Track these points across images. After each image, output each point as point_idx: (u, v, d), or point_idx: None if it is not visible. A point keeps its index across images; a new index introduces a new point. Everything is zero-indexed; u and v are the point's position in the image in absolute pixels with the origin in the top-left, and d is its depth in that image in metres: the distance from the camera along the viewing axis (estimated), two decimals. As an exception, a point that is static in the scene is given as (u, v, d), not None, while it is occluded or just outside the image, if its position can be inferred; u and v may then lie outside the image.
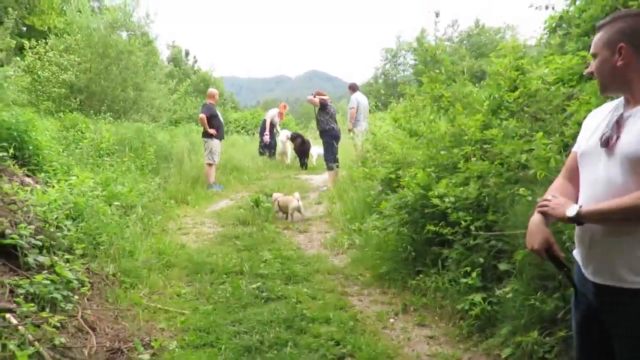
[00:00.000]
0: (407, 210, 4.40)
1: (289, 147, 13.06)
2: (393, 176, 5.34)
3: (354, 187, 7.29)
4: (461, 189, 3.92)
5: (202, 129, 9.92)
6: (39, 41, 14.11)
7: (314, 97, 9.41)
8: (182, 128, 16.23)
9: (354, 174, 7.41)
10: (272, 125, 13.49)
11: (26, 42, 13.90)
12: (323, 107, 9.29)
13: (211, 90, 10.12)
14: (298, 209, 7.12)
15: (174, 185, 8.58)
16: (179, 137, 12.63)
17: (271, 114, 13.65)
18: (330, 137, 9.26)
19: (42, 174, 5.74)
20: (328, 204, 7.87)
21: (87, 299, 3.75)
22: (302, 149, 12.68)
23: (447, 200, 3.93)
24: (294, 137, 12.98)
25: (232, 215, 7.16)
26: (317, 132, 10.02)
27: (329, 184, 9.25)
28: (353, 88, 10.89)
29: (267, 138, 13.18)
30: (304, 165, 12.70)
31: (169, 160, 9.94)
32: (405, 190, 4.45)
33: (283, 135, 12.88)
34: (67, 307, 3.41)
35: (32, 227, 3.81)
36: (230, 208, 7.82)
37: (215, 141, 9.62)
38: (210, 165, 9.60)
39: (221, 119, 9.95)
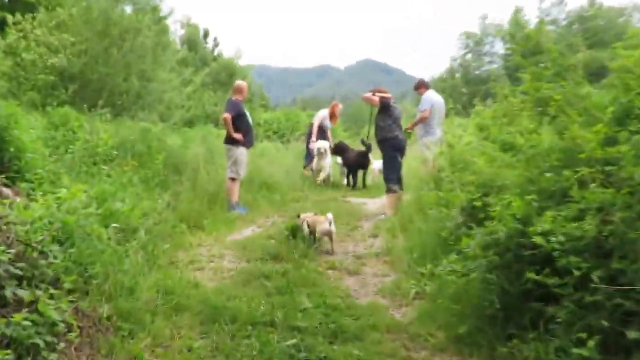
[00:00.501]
0: (498, 251, 4.32)
1: (328, 161, 12.99)
2: (478, 203, 5.26)
3: (423, 216, 7.24)
4: (574, 224, 3.83)
5: (224, 132, 10.09)
6: (25, 16, 14.75)
7: (373, 94, 9.45)
8: (197, 130, 16.59)
9: (424, 199, 7.37)
10: (322, 130, 13.66)
11: (9, 16, 14.56)
12: (385, 108, 9.31)
13: (239, 83, 10.33)
14: (329, 235, 7.30)
15: (187, 205, 8.76)
16: (193, 142, 12.90)
17: (321, 116, 13.85)
18: (392, 149, 9.26)
19: (25, 184, 5.98)
20: (387, 237, 7.84)
21: (75, 348, 3.85)
22: (358, 162, 12.72)
23: (553, 239, 3.85)
24: (340, 149, 13.06)
25: (260, 247, 7.22)
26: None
27: (388, 210, 9.23)
28: (423, 85, 10.90)
29: (312, 145, 13.36)
30: (354, 184, 12.75)
31: (181, 172, 10.17)
32: (496, 223, 4.38)
33: (319, 146, 12.92)
34: (50, 358, 3.51)
35: (12, 251, 3.95)
36: (257, 237, 7.90)
37: (242, 149, 9.81)
38: (233, 180, 9.78)
39: (250, 120, 10.14)
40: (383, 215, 9.23)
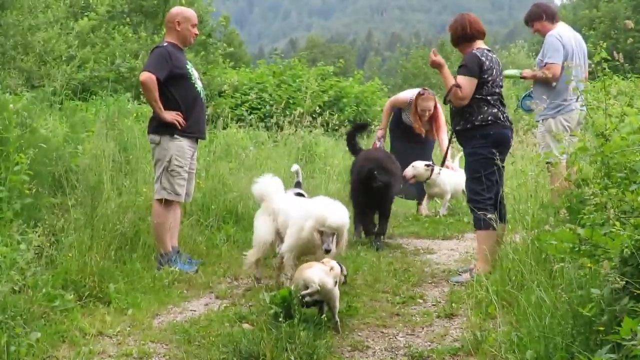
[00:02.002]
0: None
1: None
2: (655, 252, 5.26)
3: (545, 277, 7.21)
4: None
5: (147, 110, 10.12)
6: None
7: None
8: (100, 106, 16.61)
9: (548, 242, 7.33)
10: (401, 124, 14.37)
11: None
12: (472, 64, 9.34)
13: (177, 12, 10.40)
14: (328, 298, 7.51)
15: (77, 255, 8.76)
16: (91, 131, 12.94)
17: (399, 99, 14.75)
18: (487, 144, 9.26)
19: None
20: (475, 317, 7.82)
21: None
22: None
23: None
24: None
25: (221, 339, 7.23)
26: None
27: (478, 263, 9.21)
28: (547, 16, 10.90)
29: (380, 144, 14.00)
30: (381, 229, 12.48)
31: (66, 191, 10.19)
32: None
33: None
34: None
35: None
36: (216, 319, 7.95)
37: (179, 143, 9.91)
38: (166, 204, 9.89)
39: (199, 87, 10.29)
40: (467, 274, 9.23)
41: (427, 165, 14.22)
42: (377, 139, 14.14)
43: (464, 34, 9.54)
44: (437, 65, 9.69)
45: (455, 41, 9.67)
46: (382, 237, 12.25)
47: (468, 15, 9.70)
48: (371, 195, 12.14)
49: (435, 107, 14.18)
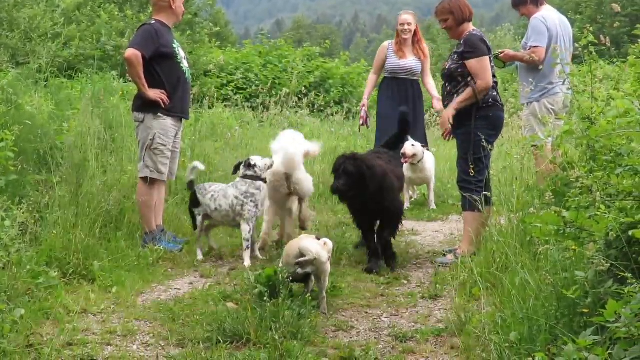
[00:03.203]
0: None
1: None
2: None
3: (530, 259, 7.21)
4: None
5: (133, 89, 10.07)
6: None
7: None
8: (85, 84, 16.51)
9: (533, 224, 7.32)
10: (384, 80, 13.90)
11: None
12: (475, 46, 9.34)
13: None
14: (319, 272, 7.53)
15: (61, 232, 8.74)
16: (77, 109, 12.87)
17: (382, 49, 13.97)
18: (487, 126, 9.39)
19: None
20: (459, 299, 7.82)
21: None
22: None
23: None
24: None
25: (205, 318, 7.21)
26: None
27: (463, 245, 9.21)
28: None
29: (363, 112, 13.75)
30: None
31: (51, 167, 10.14)
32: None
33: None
34: None
35: None
36: (200, 298, 7.96)
37: (163, 121, 9.88)
38: (150, 183, 9.86)
39: (184, 66, 10.25)
40: (451, 256, 9.23)
41: (423, 147, 13.49)
42: (360, 107, 13.97)
43: (469, 14, 9.50)
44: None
45: (459, 23, 9.48)
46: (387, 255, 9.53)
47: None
48: (357, 200, 9.43)
49: (417, 30, 13.60)
